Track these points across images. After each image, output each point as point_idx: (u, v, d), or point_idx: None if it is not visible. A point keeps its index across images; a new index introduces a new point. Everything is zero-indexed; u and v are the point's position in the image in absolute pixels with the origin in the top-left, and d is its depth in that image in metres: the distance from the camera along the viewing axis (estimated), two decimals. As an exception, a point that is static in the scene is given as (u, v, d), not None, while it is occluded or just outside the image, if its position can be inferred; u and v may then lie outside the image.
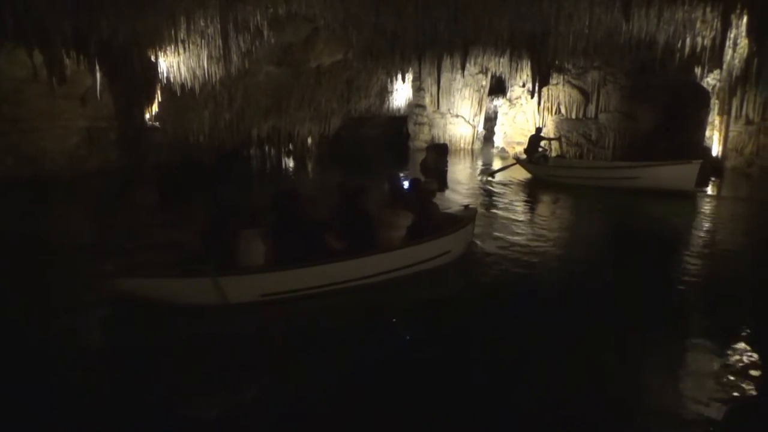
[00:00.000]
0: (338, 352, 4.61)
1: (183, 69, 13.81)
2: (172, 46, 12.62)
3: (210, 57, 13.46)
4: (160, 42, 12.43)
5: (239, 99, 16.26)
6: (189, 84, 14.15)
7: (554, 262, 7.19)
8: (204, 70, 13.85)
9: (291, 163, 18.40)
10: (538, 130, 15.81)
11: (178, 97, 14.23)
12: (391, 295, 5.75)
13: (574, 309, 5.50)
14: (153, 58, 13.04)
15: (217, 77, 14.25)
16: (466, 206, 8.07)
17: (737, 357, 4.45)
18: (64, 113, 12.92)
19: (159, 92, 13.74)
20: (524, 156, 15.23)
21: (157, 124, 14.18)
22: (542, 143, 15.19)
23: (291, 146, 19.53)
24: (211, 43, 12.78)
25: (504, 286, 6.20)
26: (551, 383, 4.09)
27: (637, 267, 7.10)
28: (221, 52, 12.52)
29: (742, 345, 4.66)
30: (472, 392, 3.94)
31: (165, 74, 13.63)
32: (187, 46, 12.77)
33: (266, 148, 18.83)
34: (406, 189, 7.22)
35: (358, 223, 5.92)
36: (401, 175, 8.09)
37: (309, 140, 19.88)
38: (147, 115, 13.87)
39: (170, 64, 13.54)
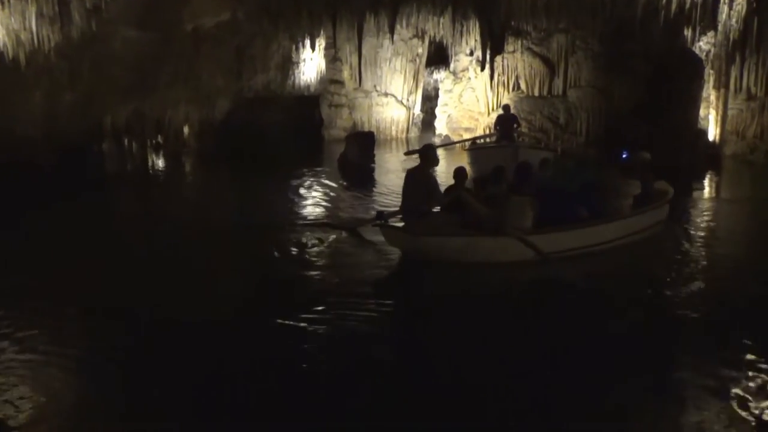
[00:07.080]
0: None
1: (1, 32, 13.02)
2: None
3: (41, 15, 12.76)
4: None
5: (85, 74, 15.38)
6: (11, 53, 13.29)
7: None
8: (32, 33, 13.10)
9: (161, 162, 17.67)
10: (506, 107, 15.95)
11: (-5, 72, 13.27)
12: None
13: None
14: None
15: (53, 44, 13.48)
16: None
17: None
18: None
19: (-34, 66, 12.99)
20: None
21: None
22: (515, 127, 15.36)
23: (160, 138, 18.78)
24: (42, -3, 11.74)
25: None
26: None
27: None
28: (56, 8, 12.10)
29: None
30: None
31: (-28, 40, 12.75)
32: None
33: (125, 142, 18.04)
34: (627, 158, 9.46)
35: (591, 194, 8.14)
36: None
37: (186, 130, 19.26)
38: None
39: (-21, 25, 12.73)
